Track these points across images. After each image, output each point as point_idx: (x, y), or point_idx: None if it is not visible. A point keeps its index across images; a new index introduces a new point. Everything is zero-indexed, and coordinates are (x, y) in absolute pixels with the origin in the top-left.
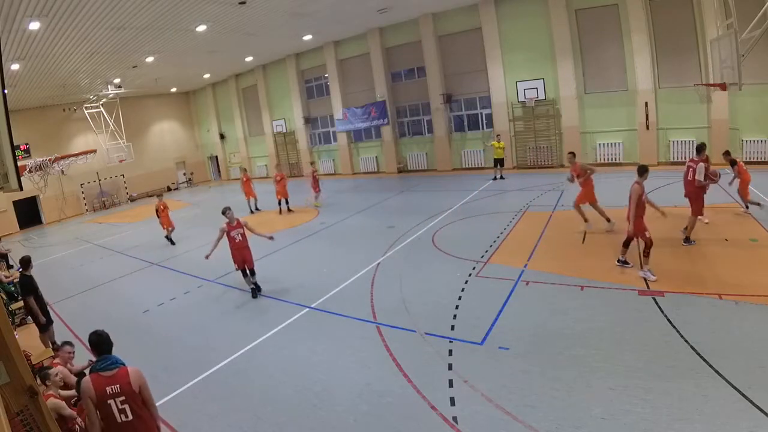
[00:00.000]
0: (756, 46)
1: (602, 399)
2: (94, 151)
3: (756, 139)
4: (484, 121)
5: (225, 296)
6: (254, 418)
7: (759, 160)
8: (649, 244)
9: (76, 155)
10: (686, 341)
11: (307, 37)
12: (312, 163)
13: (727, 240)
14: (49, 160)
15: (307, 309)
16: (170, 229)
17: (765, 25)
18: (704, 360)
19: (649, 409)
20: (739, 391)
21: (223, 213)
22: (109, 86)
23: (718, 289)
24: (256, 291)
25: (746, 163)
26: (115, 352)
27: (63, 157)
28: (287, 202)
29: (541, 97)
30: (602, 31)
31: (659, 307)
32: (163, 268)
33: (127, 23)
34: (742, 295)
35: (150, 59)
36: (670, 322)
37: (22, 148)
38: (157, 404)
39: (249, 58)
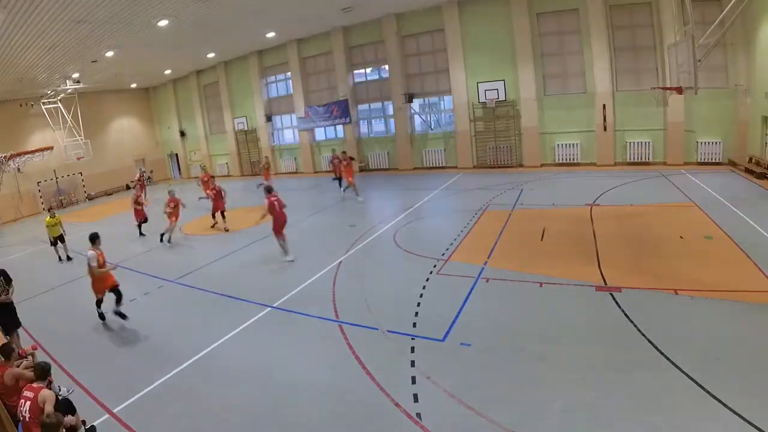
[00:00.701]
0: (712, 52)
1: (563, 392)
2: (51, 148)
3: (710, 141)
4: (446, 121)
5: (186, 297)
6: (218, 419)
7: (713, 161)
8: None
9: (32, 152)
10: (644, 335)
11: (270, 35)
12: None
13: (682, 237)
14: (5, 157)
15: (269, 308)
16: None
17: (721, 31)
18: (662, 353)
19: (610, 402)
20: (697, 383)
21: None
22: (67, 81)
23: (675, 285)
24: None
25: (701, 164)
26: (75, 354)
27: (19, 155)
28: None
29: (502, 98)
30: (563, 35)
31: (616, 302)
32: (123, 268)
33: (87, 16)
34: (697, 290)
35: (110, 54)
36: (628, 317)
37: None
38: (119, 408)
39: (211, 54)
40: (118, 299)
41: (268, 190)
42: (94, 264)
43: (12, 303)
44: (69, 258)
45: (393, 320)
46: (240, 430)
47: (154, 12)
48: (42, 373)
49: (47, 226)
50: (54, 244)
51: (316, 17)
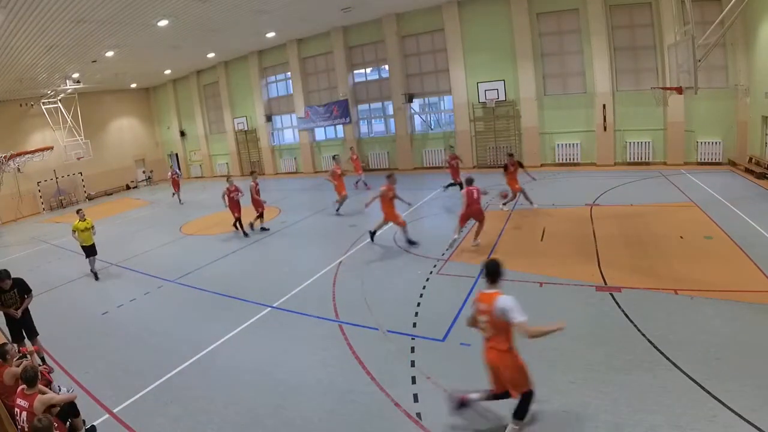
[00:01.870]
0: (712, 52)
1: (563, 392)
2: (51, 148)
3: (710, 141)
4: (446, 121)
5: (186, 296)
6: (218, 420)
7: (713, 161)
8: None
9: (32, 152)
10: (644, 335)
11: (270, 35)
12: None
13: (682, 237)
14: (5, 157)
15: (269, 308)
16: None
17: (721, 31)
18: (662, 353)
19: (610, 402)
20: (697, 383)
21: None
22: (67, 81)
23: (675, 285)
24: None
25: (701, 164)
26: (75, 354)
27: (19, 154)
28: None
29: (502, 98)
30: (562, 35)
31: (616, 302)
32: (122, 268)
33: (87, 16)
34: (697, 290)
35: (110, 54)
36: (628, 317)
37: None
38: (119, 408)
39: (211, 55)
40: None
41: (469, 182)
42: (522, 319)
43: (27, 314)
44: (96, 277)
45: (393, 320)
46: (240, 430)
47: (154, 12)
48: (29, 380)
49: (75, 231)
50: (88, 255)
51: (316, 17)
